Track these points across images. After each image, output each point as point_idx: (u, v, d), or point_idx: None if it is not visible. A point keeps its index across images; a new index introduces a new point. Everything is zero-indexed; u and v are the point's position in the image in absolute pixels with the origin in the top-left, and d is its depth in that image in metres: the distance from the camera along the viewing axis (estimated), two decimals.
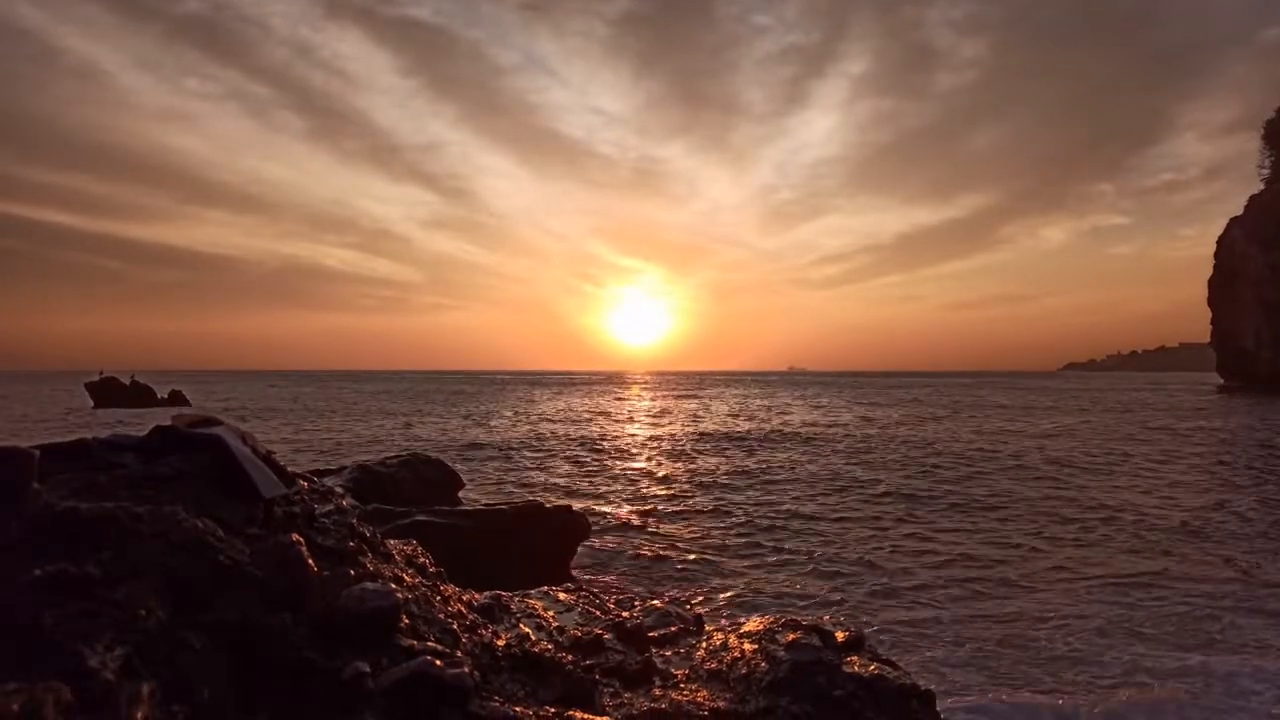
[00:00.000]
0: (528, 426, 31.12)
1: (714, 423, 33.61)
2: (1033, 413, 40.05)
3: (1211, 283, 79.54)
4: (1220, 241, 79.41)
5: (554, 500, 10.86)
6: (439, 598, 2.43)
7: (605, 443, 24.87)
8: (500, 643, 2.38)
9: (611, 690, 2.46)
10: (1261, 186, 78.57)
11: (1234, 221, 77.98)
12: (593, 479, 16.57)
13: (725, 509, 13.01)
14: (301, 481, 2.37)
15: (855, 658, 2.79)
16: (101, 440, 2.11)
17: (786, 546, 10.30)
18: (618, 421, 34.82)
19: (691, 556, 9.81)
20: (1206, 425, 30.92)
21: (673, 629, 3.13)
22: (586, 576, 8.45)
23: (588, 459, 20.37)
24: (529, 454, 21.42)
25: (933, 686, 2.92)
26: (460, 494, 11.22)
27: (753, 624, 3.08)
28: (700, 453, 21.70)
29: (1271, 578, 8.65)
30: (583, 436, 26.97)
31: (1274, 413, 37.46)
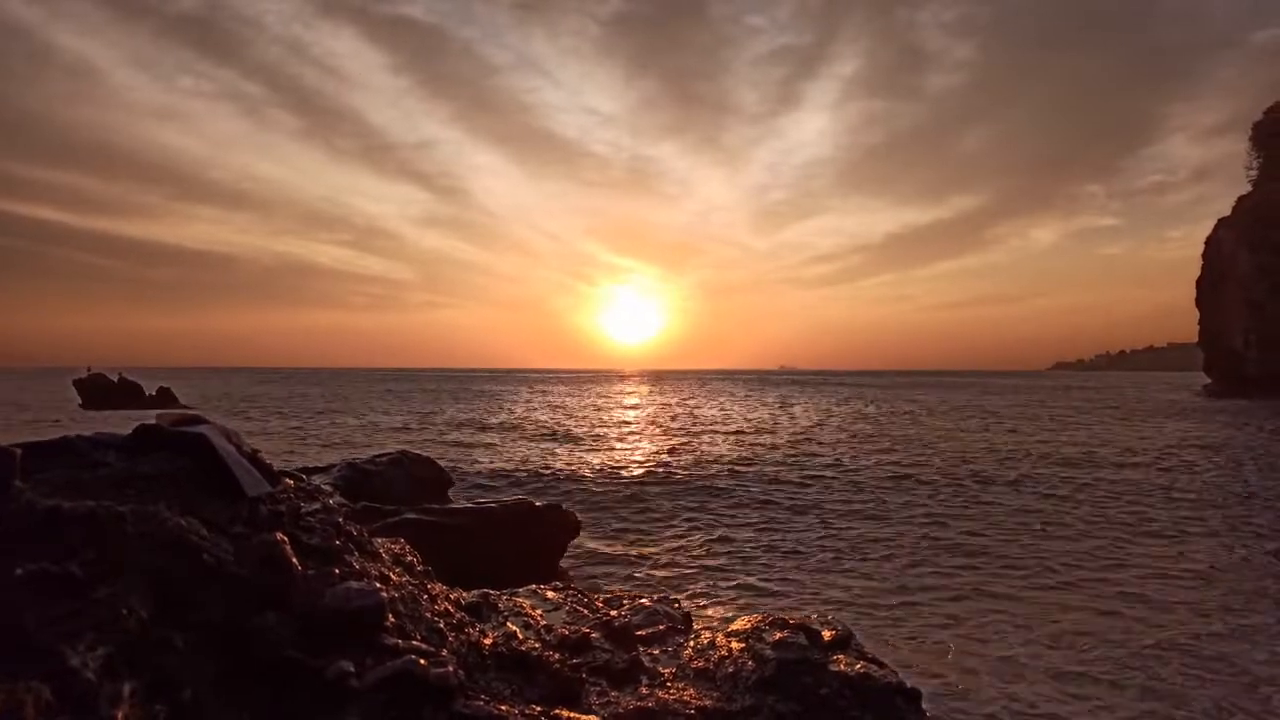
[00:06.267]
0: (519, 424, 31.09)
1: (705, 420, 33.65)
2: (1008, 411, 40.28)
3: (1199, 283, 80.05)
4: (1208, 242, 79.93)
5: (544, 498, 10.86)
6: (426, 596, 2.43)
7: (597, 440, 24.88)
8: (487, 641, 2.37)
9: (598, 689, 2.47)
10: (1249, 188, 79.09)
11: (1222, 222, 78.50)
12: (583, 476, 16.56)
13: (716, 506, 13.04)
14: (288, 480, 2.36)
15: (842, 656, 2.80)
16: (85, 438, 2.09)
17: (776, 545, 10.33)
18: (609, 419, 34.82)
19: (681, 555, 9.84)
20: (1193, 424, 31.21)
21: (660, 627, 3.13)
22: (575, 574, 8.46)
23: (579, 456, 20.37)
24: (520, 452, 21.40)
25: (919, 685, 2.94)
26: (450, 492, 11.19)
27: (740, 622, 3.08)
28: (691, 450, 21.72)
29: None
30: (575, 434, 26.96)
31: (1260, 414, 37.82)
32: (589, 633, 2.80)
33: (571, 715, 2.13)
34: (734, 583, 8.55)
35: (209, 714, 1.54)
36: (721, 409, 43.44)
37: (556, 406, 46.01)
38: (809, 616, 3.08)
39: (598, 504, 13.24)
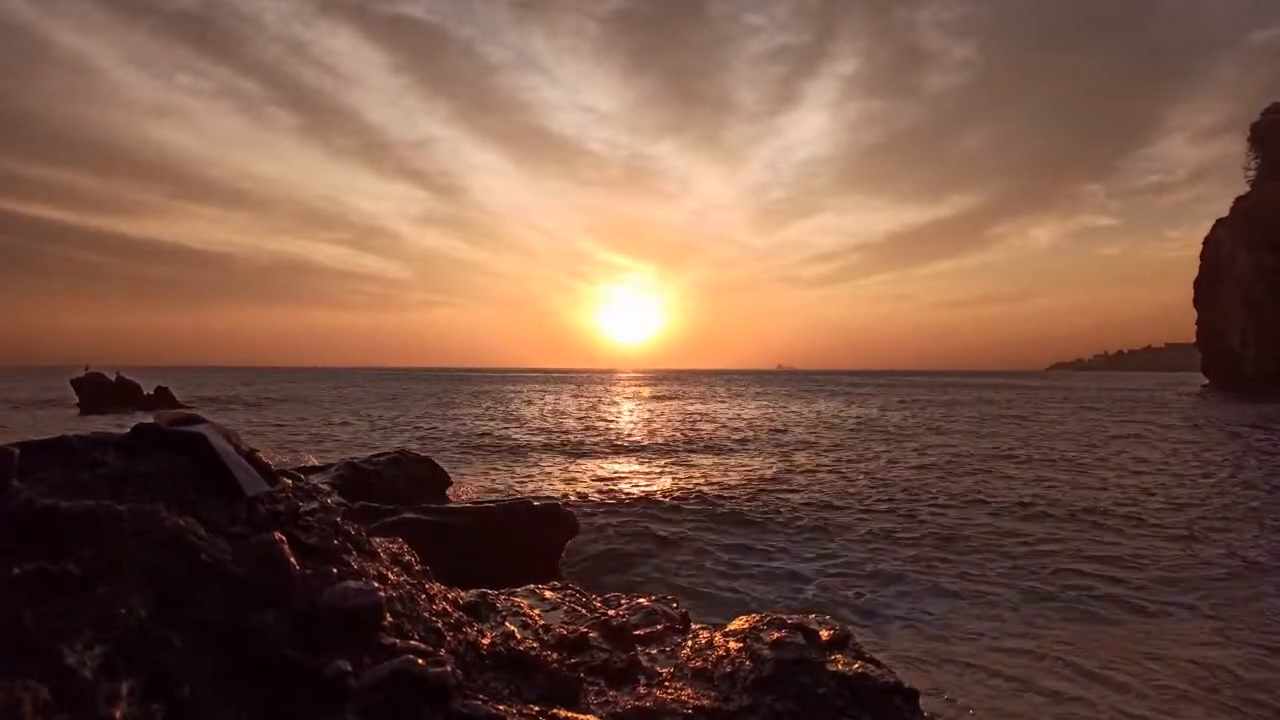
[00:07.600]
0: (517, 423, 31.08)
1: (702, 419, 33.66)
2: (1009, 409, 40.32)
3: (1198, 283, 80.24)
4: (1206, 242, 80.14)
5: (543, 497, 10.85)
6: (424, 596, 2.43)
7: (594, 439, 24.87)
8: (485, 641, 2.37)
9: (596, 688, 2.46)
10: (1247, 188, 79.27)
11: (1220, 223, 78.69)
12: (581, 475, 16.56)
13: (714, 506, 13.03)
14: (286, 479, 2.36)
15: (839, 656, 2.80)
16: (83, 437, 2.09)
17: (775, 545, 10.34)
18: (606, 418, 34.81)
19: (680, 554, 9.84)
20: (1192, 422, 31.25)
21: (659, 627, 3.13)
22: (574, 574, 8.45)
23: (576, 455, 20.36)
24: (518, 451, 21.39)
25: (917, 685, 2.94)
26: (448, 491, 11.18)
27: (738, 622, 3.08)
28: (688, 449, 21.73)
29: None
30: (571, 433, 26.96)
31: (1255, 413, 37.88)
32: (587, 632, 2.80)
33: (569, 715, 2.13)
34: (733, 582, 8.55)
35: (207, 712, 1.54)
36: (717, 410, 43.45)
37: (554, 408, 45.99)
38: (807, 616, 3.08)
39: (596, 504, 13.23)
